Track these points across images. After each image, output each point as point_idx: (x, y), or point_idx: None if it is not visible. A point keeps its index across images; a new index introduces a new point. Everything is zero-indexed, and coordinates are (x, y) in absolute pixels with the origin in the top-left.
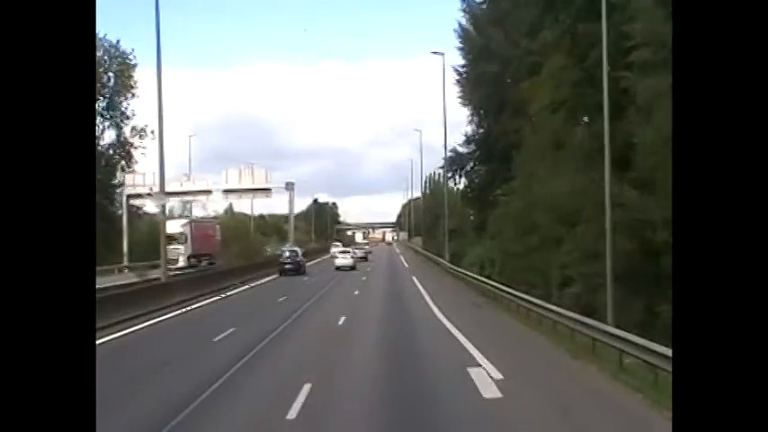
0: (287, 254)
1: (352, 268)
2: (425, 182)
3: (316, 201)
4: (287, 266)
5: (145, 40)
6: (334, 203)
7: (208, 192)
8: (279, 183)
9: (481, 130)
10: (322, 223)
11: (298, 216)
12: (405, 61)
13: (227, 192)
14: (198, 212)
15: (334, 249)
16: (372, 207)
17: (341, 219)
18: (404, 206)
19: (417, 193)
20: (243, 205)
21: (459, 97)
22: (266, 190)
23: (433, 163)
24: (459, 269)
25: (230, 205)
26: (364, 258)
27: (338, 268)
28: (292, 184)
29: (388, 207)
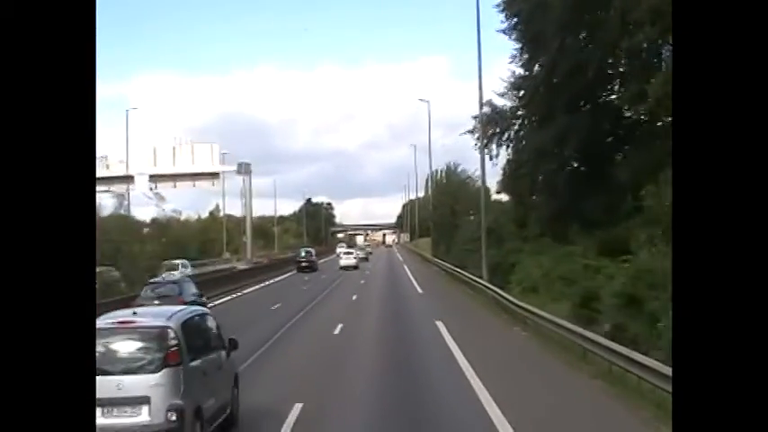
0: (303, 254)
1: (356, 267)
2: (433, 175)
3: (309, 201)
4: (303, 264)
5: (145, 43)
6: (329, 204)
7: (127, 178)
8: (233, 165)
9: (537, 68)
10: (316, 225)
11: (290, 218)
12: (403, 64)
13: (155, 177)
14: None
15: (339, 250)
16: (372, 209)
17: (337, 220)
18: (404, 205)
19: (421, 193)
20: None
21: (503, 11)
22: (212, 175)
23: (434, 164)
24: (543, 314)
25: (217, 206)
26: (365, 259)
27: (342, 268)
28: (247, 164)
29: (387, 209)
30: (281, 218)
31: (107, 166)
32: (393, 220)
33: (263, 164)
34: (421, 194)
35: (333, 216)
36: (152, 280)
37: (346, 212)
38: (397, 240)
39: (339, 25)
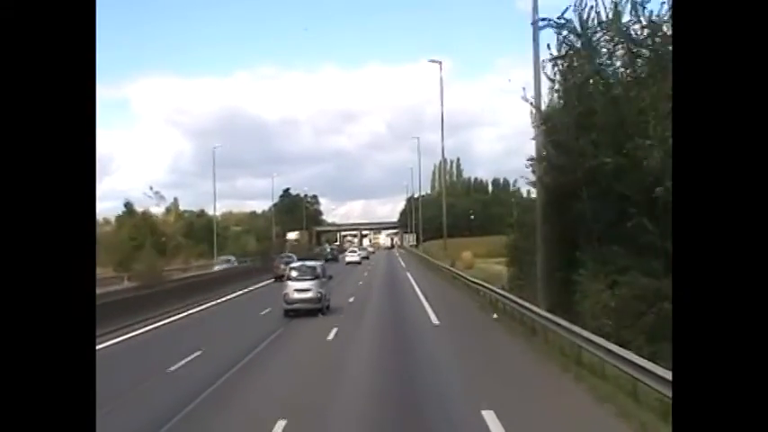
0: (328, 249)
1: (359, 263)
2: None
3: (287, 192)
4: (328, 258)
5: (146, 45)
6: (314, 197)
7: None
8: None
9: None
10: (296, 224)
11: (263, 215)
12: (405, 66)
13: None
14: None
15: (350, 248)
16: (372, 210)
17: (328, 219)
18: (409, 199)
19: (428, 188)
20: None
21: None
22: None
23: (429, 165)
24: None
25: (176, 200)
26: (366, 258)
27: (348, 263)
28: None
29: (387, 210)
30: (254, 215)
31: None
32: (394, 219)
33: (264, 165)
34: (426, 190)
35: (319, 213)
36: (281, 255)
37: (347, 214)
38: (399, 242)
39: (341, 27)
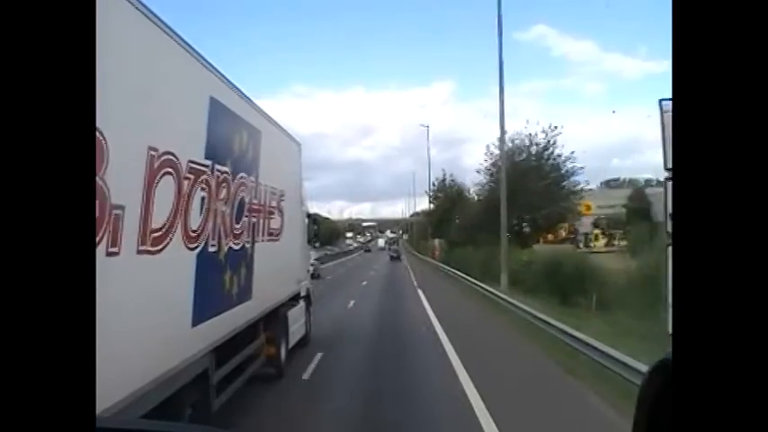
0: (354, 245)
1: (382, 249)
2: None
3: None
4: (367, 249)
5: None
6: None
7: None
8: None
9: None
10: None
11: None
12: (417, 89)
13: None
14: None
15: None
16: (379, 210)
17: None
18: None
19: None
20: None
21: None
22: None
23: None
24: None
25: None
26: (382, 249)
27: (380, 249)
28: None
29: (395, 210)
30: None
31: None
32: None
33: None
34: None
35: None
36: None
37: (358, 213)
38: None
39: (367, 56)
